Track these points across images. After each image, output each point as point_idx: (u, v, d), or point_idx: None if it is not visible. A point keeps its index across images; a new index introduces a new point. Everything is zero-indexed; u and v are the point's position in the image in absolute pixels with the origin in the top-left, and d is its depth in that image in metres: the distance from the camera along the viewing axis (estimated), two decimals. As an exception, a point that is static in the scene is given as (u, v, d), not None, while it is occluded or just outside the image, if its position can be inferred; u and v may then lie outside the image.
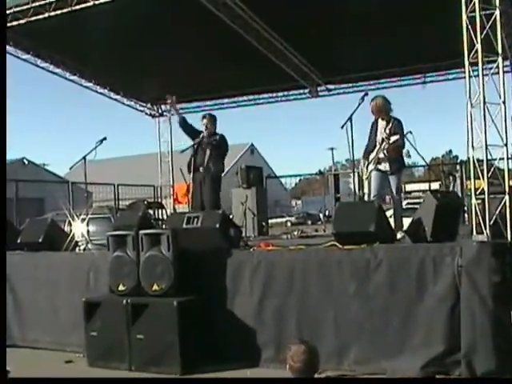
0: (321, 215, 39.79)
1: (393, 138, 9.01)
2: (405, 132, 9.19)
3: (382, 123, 9.30)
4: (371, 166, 9.27)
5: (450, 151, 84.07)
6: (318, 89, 17.19)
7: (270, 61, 14.01)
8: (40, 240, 9.99)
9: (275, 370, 7.01)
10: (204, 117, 11.05)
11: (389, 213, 8.89)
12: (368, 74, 15.63)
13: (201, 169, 10.64)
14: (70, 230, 11.84)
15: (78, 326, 8.57)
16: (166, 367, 7.64)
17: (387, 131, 9.11)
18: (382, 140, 9.14)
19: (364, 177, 9.58)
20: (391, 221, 8.76)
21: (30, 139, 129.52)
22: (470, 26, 7.15)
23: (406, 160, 10.04)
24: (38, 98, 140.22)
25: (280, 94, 17.79)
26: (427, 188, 15.77)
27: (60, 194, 20.96)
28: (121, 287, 8.32)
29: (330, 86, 17.11)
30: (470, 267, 6.56)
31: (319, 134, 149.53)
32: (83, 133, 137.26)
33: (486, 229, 6.91)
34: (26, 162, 42.03)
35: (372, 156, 9.26)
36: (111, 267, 8.45)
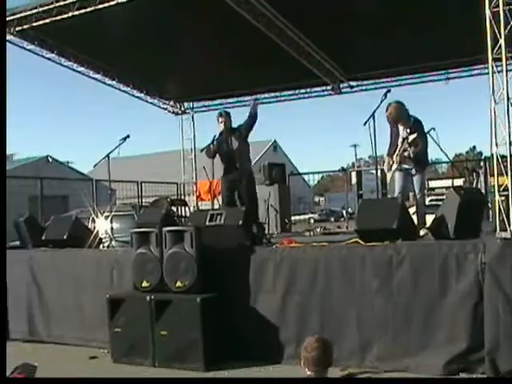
0: (343, 212, 39.75)
1: (411, 137, 8.92)
2: (427, 129, 9.11)
3: (401, 126, 9.18)
4: (395, 166, 9.20)
5: (474, 147, 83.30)
6: (341, 86, 17.20)
7: (292, 58, 14.03)
8: (65, 237, 10.07)
9: (297, 367, 7.01)
10: (221, 115, 10.80)
11: (412, 210, 8.86)
12: (390, 71, 15.58)
13: (234, 170, 10.48)
14: (94, 227, 11.95)
15: (103, 322, 8.64)
16: (190, 363, 7.68)
17: (407, 131, 9.02)
18: (403, 140, 9.06)
19: (388, 176, 9.52)
20: (414, 218, 8.73)
21: (55, 137, 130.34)
22: (493, 22, 7.11)
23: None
24: (62, 96, 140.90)
25: (303, 90, 17.82)
26: (451, 185, 15.67)
27: (84, 191, 21.16)
28: (144, 284, 8.37)
29: (353, 83, 17.11)
30: (493, 264, 6.52)
31: (342, 131, 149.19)
32: (106, 131, 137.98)
33: (509, 226, 6.88)
34: (50, 160, 42.27)
35: (395, 156, 9.20)
36: (135, 264, 8.50)
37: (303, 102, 18.50)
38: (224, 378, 7.22)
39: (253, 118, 10.53)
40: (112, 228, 11.18)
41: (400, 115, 9.04)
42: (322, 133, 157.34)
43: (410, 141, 8.92)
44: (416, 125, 8.99)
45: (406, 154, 9.06)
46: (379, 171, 9.64)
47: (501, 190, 7.05)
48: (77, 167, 47.60)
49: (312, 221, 43.88)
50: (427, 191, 11.76)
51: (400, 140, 9.08)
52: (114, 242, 10.81)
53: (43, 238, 10.37)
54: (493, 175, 7.33)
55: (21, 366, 4.78)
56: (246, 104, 18.08)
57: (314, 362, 4.50)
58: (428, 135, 9.12)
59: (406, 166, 9.15)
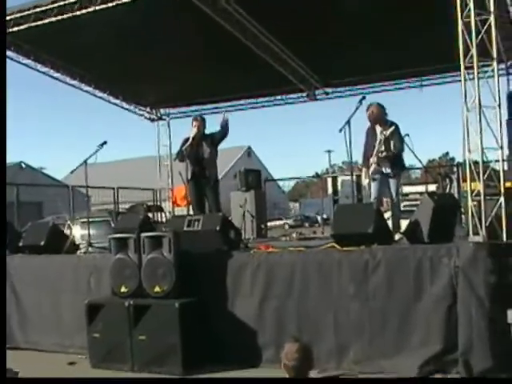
0: (318, 217, 39.90)
1: (389, 132, 9.05)
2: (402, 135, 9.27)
3: (379, 128, 9.35)
4: (372, 168, 9.30)
5: (447, 153, 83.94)
6: (316, 92, 17.30)
7: (268, 65, 14.11)
8: (42, 243, 10.08)
9: (276, 370, 7.09)
10: (196, 119, 11.01)
11: (387, 215, 9.00)
12: (365, 78, 15.70)
13: (200, 175, 10.66)
14: (71, 233, 11.96)
15: (81, 328, 8.67)
16: (168, 368, 7.75)
17: (385, 133, 9.18)
18: (380, 141, 9.20)
19: (365, 182, 9.64)
20: (389, 222, 8.87)
21: (27, 143, 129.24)
22: (465, 31, 7.28)
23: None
24: (36, 101, 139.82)
25: (278, 97, 17.89)
26: (424, 190, 15.85)
27: (59, 197, 21.07)
28: (123, 289, 8.41)
29: (328, 90, 17.20)
30: (466, 267, 6.67)
31: (316, 137, 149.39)
32: (80, 136, 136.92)
33: (481, 230, 7.04)
34: (24, 166, 42.05)
35: (372, 160, 9.32)
36: (113, 269, 8.53)
37: (277, 107, 18.59)
38: (216, 378, 7.30)
39: (223, 132, 10.74)
40: (89, 234, 11.19)
41: (381, 115, 9.27)
42: (296, 139, 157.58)
43: (387, 135, 9.05)
44: (394, 128, 9.16)
45: (383, 155, 9.20)
46: (354, 177, 9.74)
47: (473, 195, 7.20)
48: (50, 173, 47.40)
49: (287, 226, 44.03)
50: (401, 197, 11.90)
51: (377, 142, 9.23)
52: (90, 248, 10.83)
53: (20, 244, 10.36)
54: (465, 181, 7.47)
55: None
56: (220, 110, 18.20)
57: (295, 370, 4.58)
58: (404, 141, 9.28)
59: (382, 170, 9.29)
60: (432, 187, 15.83)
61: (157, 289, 8.13)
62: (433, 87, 16.13)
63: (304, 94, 17.39)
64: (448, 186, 13.73)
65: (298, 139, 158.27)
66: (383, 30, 12.13)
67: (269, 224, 21.59)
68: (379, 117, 9.30)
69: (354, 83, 16.26)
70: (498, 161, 7.45)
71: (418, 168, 18.61)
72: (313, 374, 5.73)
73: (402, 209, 10.70)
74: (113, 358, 8.22)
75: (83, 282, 9.35)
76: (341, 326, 7.39)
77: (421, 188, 18.06)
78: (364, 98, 9.15)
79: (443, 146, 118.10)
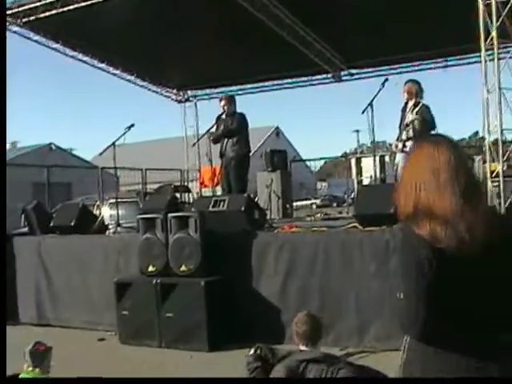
0: (346, 197, 39.79)
1: (417, 108, 9.11)
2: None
3: (410, 105, 9.40)
4: (399, 147, 9.35)
5: (477, 132, 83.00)
6: (341, 73, 17.33)
7: (293, 46, 14.19)
8: (72, 223, 10.33)
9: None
10: (221, 99, 11.13)
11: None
12: (389, 59, 15.70)
13: (226, 153, 10.79)
14: (100, 214, 12.19)
15: (110, 306, 8.93)
16: (195, 344, 7.95)
17: (414, 113, 9.21)
18: (411, 121, 9.24)
19: (398, 158, 9.65)
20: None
21: (57, 124, 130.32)
22: (486, 14, 7.32)
23: None
24: (65, 84, 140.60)
25: (304, 78, 17.95)
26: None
27: (88, 178, 21.37)
28: (150, 268, 8.63)
29: (353, 71, 17.23)
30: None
31: (345, 116, 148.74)
32: (108, 117, 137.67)
33: (501, 210, 7.13)
34: (54, 148, 42.46)
35: (399, 138, 9.39)
36: (141, 249, 8.75)
37: (306, 88, 18.66)
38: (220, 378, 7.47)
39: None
40: (118, 214, 11.42)
41: (417, 90, 9.29)
42: (325, 118, 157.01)
43: (414, 115, 9.09)
44: (424, 109, 9.19)
45: (408, 134, 9.24)
46: (377, 157, 9.82)
47: (493, 176, 7.27)
48: (79, 154, 47.84)
49: (314, 206, 43.94)
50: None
51: (407, 120, 9.28)
52: (119, 228, 11.05)
53: (51, 224, 10.62)
54: (486, 162, 7.55)
55: (38, 343, 5.02)
56: (247, 92, 18.31)
57: (304, 335, 4.79)
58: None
59: (407, 149, 9.33)
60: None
61: (183, 268, 8.33)
62: (461, 67, 16.08)
63: (329, 76, 17.43)
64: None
65: (327, 119, 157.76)
66: (406, 10, 12.12)
67: (296, 204, 21.67)
68: (415, 91, 9.32)
69: (378, 64, 16.26)
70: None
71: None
72: (334, 350, 5.95)
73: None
74: (141, 334, 8.45)
75: (112, 261, 9.59)
76: (362, 305, 7.52)
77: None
78: (387, 79, 9.26)
79: (474, 126, 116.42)
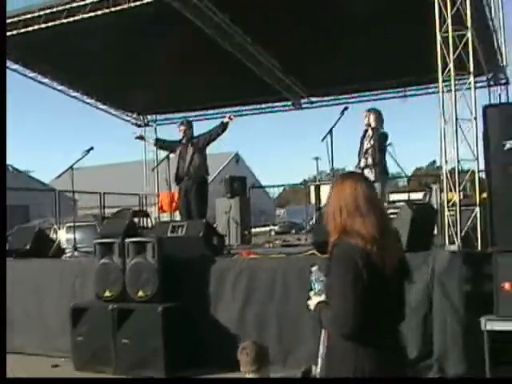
0: (304, 224, 39.88)
1: (368, 145, 9.26)
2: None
3: (369, 133, 9.54)
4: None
5: (434, 162, 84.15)
6: (302, 101, 17.48)
7: (254, 74, 14.29)
8: (28, 247, 10.18)
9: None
10: (181, 123, 11.30)
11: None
12: (350, 87, 15.90)
13: (185, 178, 10.82)
14: (56, 238, 12.05)
15: (65, 332, 8.78)
16: (151, 371, 7.87)
17: (372, 141, 9.35)
18: (367, 149, 9.39)
19: None
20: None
21: (15, 146, 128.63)
22: (443, 46, 7.48)
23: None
24: (23, 105, 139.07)
25: (264, 105, 18.05)
26: (411, 198, 15.96)
27: (46, 201, 21.07)
28: (107, 293, 8.53)
29: (313, 99, 17.39)
30: (442, 276, 6.85)
31: (305, 144, 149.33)
32: (68, 140, 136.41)
33: (457, 239, 7.23)
34: (11, 169, 41.89)
35: (360, 165, 9.51)
36: (98, 274, 8.65)
37: (267, 115, 18.78)
38: (215, 378, 7.40)
39: (222, 129, 10.87)
40: (75, 238, 11.29)
41: (377, 118, 9.46)
42: (285, 145, 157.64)
43: (371, 143, 9.21)
44: (382, 135, 9.34)
45: (366, 162, 9.36)
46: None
47: (450, 205, 7.38)
48: (37, 176, 47.25)
49: (273, 233, 43.97)
50: (387, 204, 12.03)
51: (365, 148, 9.41)
52: (76, 253, 10.92)
53: (6, 248, 10.43)
54: (443, 191, 7.65)
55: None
56: (208, 117, 18.30)
57: (253, 362, 4.76)
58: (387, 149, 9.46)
59: (366, 176, 9.42)
60: (420, 195, 15.95)
61: (140, 293, 8.26)
62: (421, 97, 16.36)
63: (290, 103, 17.56)
64: (428, 196, 13.88)
65: (287, 146, 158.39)
66: (368, 41, 12.31)
67: (255, 230, 21.66)
68: (377, 121, 9.48)
69: (338, 93, 16.44)
70: (473, 171, 7.62)
71: (401, 177, 18.78)
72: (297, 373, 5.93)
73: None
74: (96, 361, 8.32)
75: (68, 285, 9.45)
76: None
77: (407, 196, 18.20)
78: (346, 108, 9.35)
79: (431, 155, 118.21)
